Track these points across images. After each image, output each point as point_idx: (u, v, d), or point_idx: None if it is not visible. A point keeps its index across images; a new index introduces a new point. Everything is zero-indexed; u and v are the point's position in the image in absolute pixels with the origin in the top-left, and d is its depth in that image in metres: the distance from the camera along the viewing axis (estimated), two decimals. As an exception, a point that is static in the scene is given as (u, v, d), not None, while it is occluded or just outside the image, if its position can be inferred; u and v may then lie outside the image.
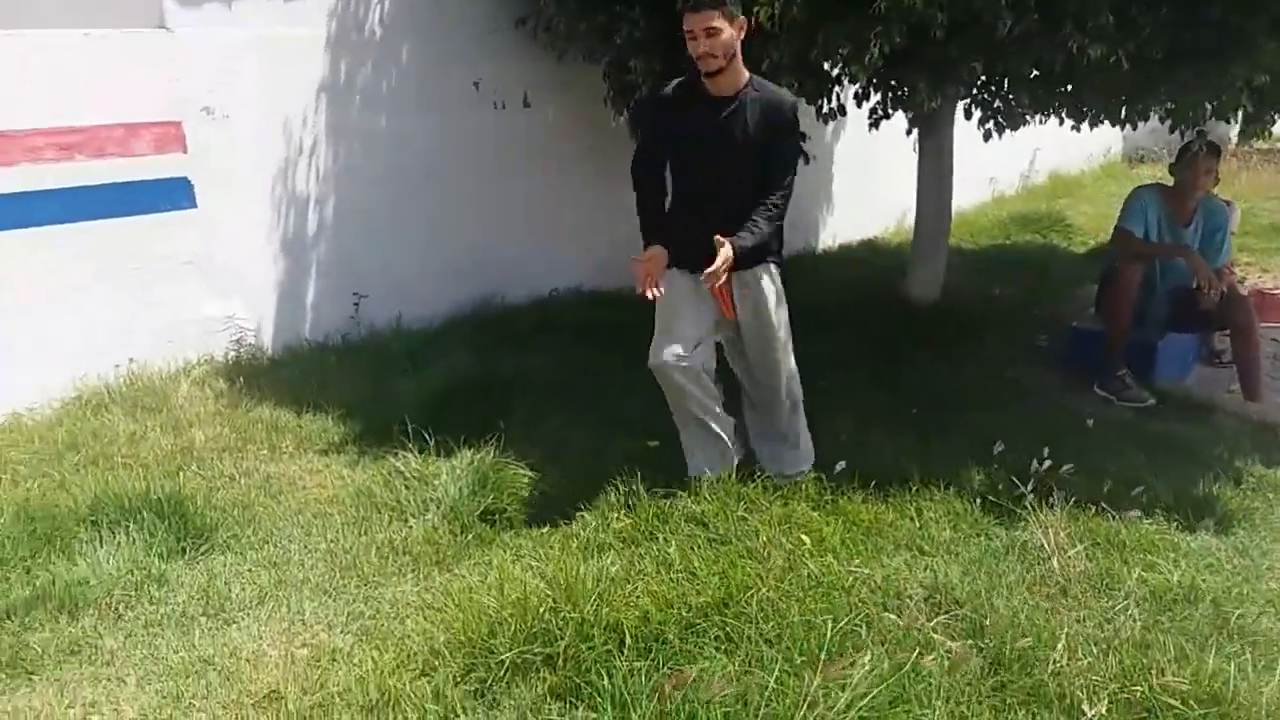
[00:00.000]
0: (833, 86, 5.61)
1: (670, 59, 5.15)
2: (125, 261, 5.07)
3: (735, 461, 3.92)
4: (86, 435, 4.34)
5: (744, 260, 3.44)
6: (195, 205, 5.27)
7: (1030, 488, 3.77)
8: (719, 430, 3.82)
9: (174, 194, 5.19)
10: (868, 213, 10.17)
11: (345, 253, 5.98)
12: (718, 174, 3.57)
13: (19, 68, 4.65)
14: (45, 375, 4.81)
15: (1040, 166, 13.77)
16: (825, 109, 5.96)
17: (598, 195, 6.95)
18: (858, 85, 5.66)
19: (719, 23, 3.33)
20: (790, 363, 3.88)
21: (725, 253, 3.28)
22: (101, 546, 3.34)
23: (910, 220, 7.15)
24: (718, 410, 3.82)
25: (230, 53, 5.34)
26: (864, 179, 9.78)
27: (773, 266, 3.70)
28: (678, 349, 3.59)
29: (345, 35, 5.85)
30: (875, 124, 6.25)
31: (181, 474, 4.03)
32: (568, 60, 6.10)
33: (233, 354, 5.47)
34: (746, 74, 3.56)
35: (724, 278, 3.33)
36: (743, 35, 3.47)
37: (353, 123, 5.92)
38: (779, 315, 3.75)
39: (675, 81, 3.63)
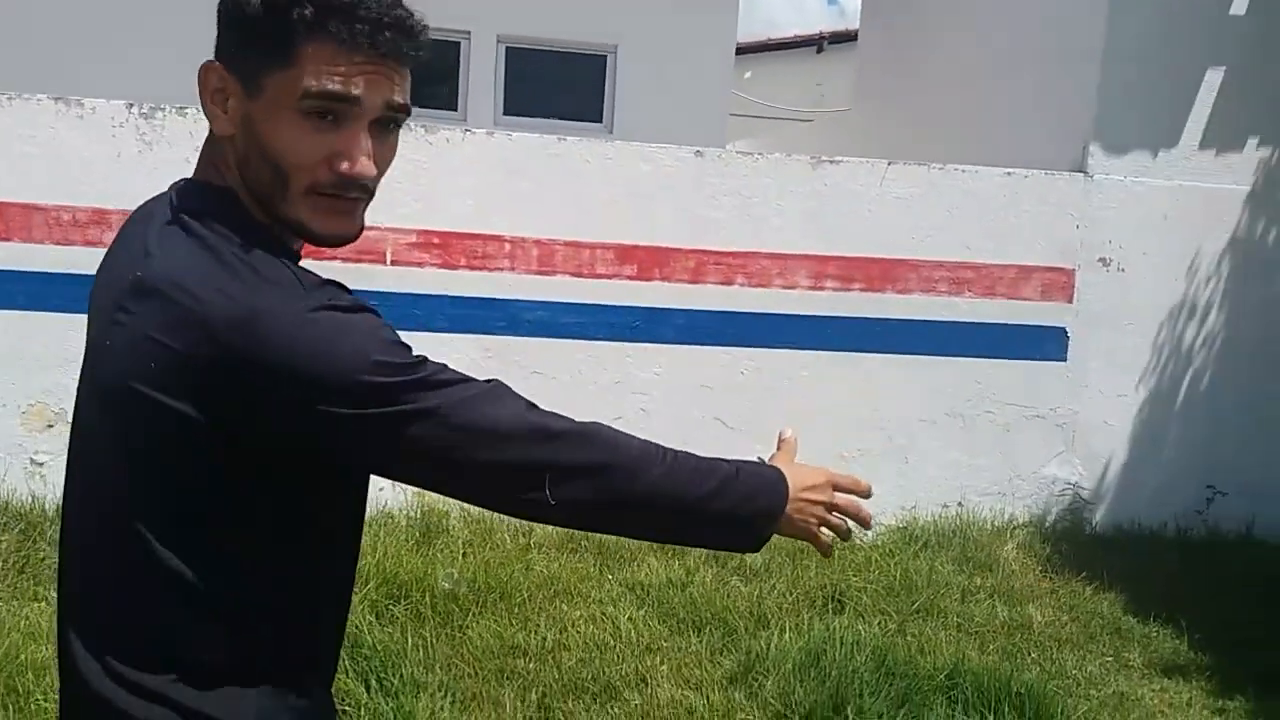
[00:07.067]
0: None
1: None
2: (979, 403, 4.91)
3: None
4: (920, 578, 4.19)
5: None
6: (1065, 359, 4.92)
7: None
8: None
9: (1047, 343, 4.91)
10: None
11: (1203, 436, 5.12)
12: None
13: (944, 203, 4.78)
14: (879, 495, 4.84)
15: None
16: None
17: None
18: None
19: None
20: None
21: None
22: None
23: None
24: None
25: (1142, 204, 4.92)
26: None
27: None
28: None
29: (1272, 194, 5.05)
30: None
31: (1023, 659, 3.62)
32: None
33: (1061, 521, 4.99)
34: None
35: None
36: None
37: (1255, 294, 5.07)
38: None
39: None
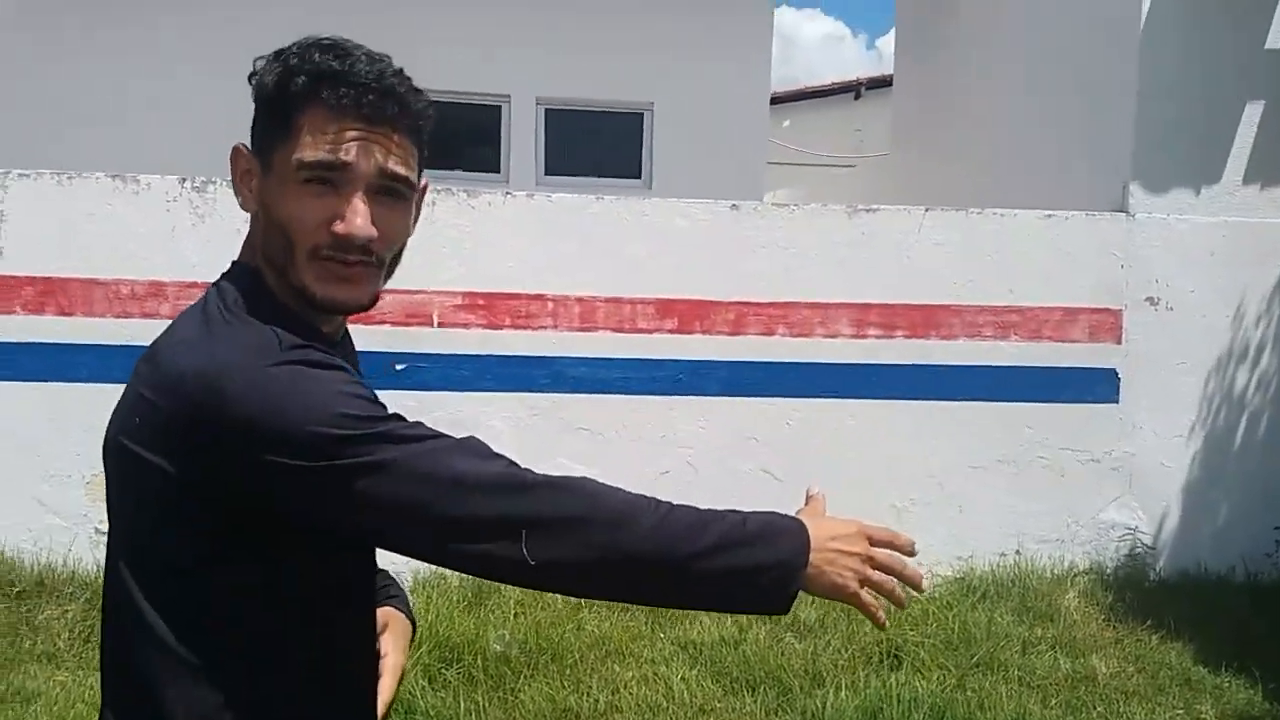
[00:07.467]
0: None
1: None
2: (1031, 449, 4.83)
3: None
4: (979, 630, 4.10)
5: None
6: (1117, 400, 4.84)
7: None
8: None
9: (1098, 385, 4.83)
10: None
11: (1267, 476, 4.99)
12: None
13: (984, 247, 4.75)
14: (934, 546, 4.76)
15: None
16: None
17: None
18: None
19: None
20: None
21: None
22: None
23: None
24: None
25: (1188, 242, 4.86)
26: None
27: None
28: None
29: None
30: None
31: (1088, 713, 3.53)
32: None
33: (1123, 568, 4.86)
34: None
35: None
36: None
37: (1312, 327, 4.97)
38: None
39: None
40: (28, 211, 4.34)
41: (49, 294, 4.33)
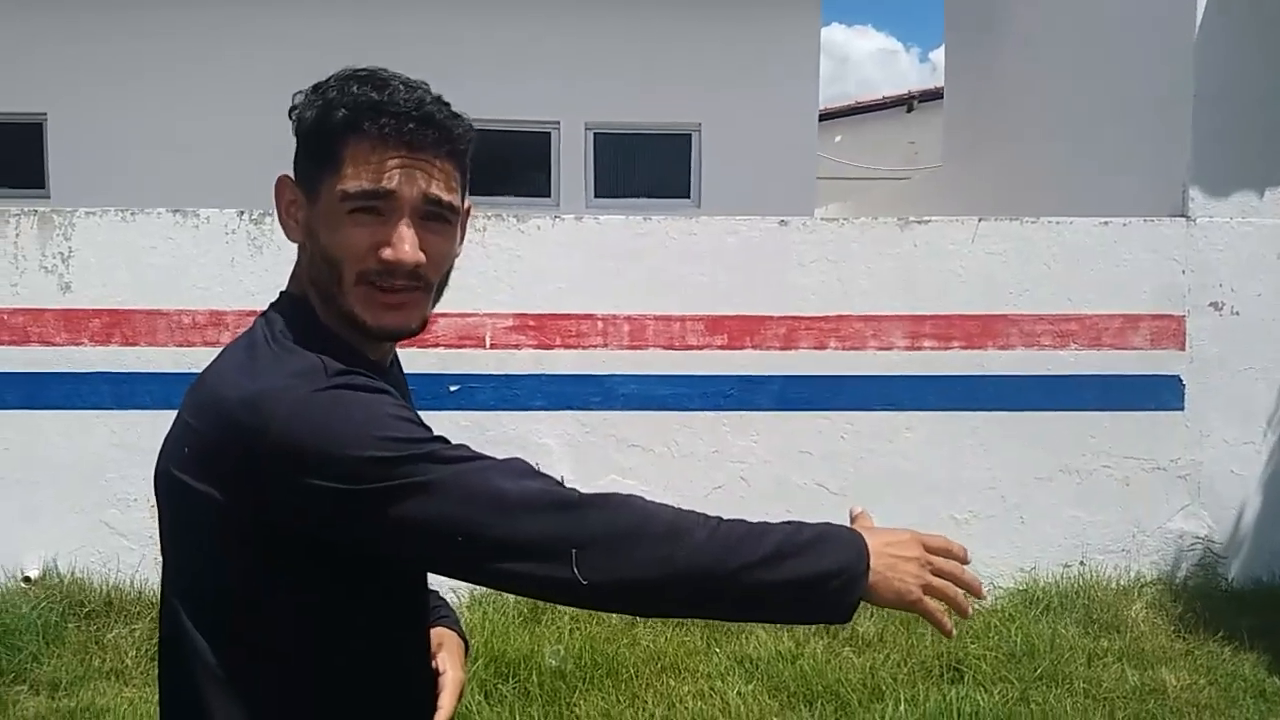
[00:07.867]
0: None
1: None
2: (1095, 458, 4.72)
3: None
4: (1042, 642, 4.01)
5: None
6: (1183, 408, 4.72)
7: None
8: None
9: (1161, 393, 4.71)
10: None
11: (1346, 482, 4.82)
12: None
13: (1041, 256, 4.68)
14: (996, 557, 4.67)
15: None
16: None
17: None
18: None
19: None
20: None
21: None
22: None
23: None
24: None
25: (1251, 244, 4.73)
26: None
27: None
28: None
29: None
30: None
31: (1158, 727, 3.43)
32: None
33: (1192, 578, 4.72)
34: None
35: None
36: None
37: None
38: None
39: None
40: (94, 247, 4.49)
41: (115, 325, 4.47)
